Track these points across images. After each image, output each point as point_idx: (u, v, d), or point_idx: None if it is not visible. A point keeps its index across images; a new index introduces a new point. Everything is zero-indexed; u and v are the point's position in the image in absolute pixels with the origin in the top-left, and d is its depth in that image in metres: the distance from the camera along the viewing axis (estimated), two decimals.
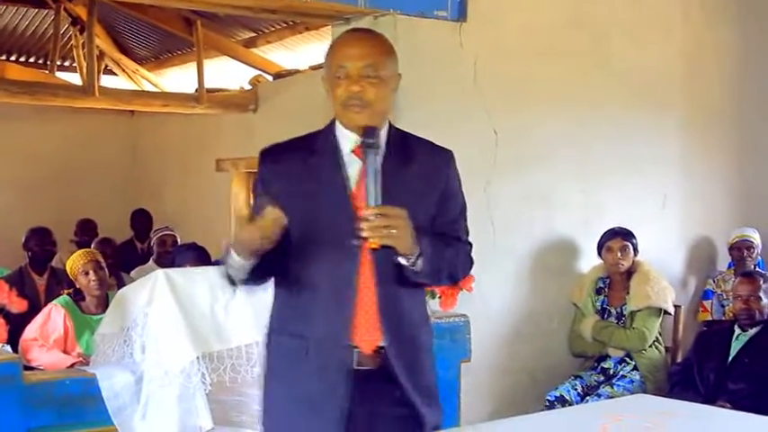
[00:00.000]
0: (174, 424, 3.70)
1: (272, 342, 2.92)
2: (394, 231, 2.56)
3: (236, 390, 3.83)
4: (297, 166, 2.83)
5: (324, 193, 2.77)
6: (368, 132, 2.68)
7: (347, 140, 2.81)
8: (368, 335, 2.77)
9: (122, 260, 7.58)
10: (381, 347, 2.78)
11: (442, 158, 2.93)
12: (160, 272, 3.89)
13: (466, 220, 2.99)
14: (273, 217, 2.56)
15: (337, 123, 2.84)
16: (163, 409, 3.71)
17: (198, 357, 3.75)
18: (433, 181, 2.86)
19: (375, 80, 2.74)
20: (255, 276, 2.73)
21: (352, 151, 2.79)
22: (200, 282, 3.89)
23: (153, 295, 3.82)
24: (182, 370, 3.71)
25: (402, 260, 2.68)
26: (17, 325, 5.31)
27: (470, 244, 2.99)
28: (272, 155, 2.90)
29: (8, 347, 4.36)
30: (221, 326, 3.84)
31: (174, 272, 3.94)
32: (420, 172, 2.83)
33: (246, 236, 2.59)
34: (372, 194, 2.57)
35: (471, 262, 3.00)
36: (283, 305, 2.89)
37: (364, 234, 2.55)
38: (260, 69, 8.60)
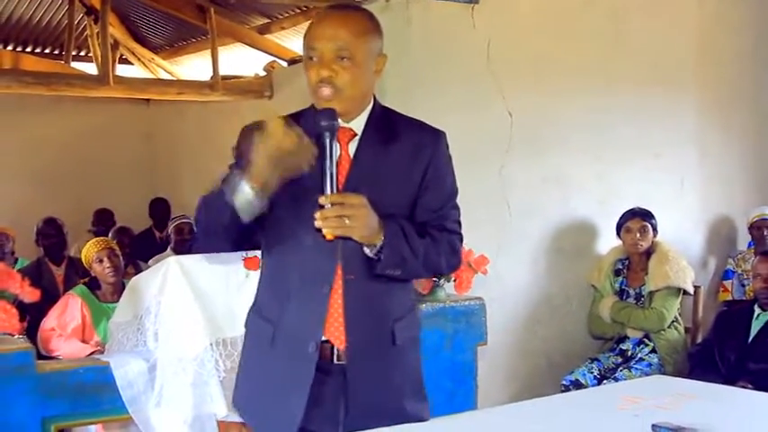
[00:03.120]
0: (189, 411, 3.70)
1: (249, 320, 2.79)
2: (347, 221, 2.42)
3: None
4: None
5: (304, 179, 2.52)
6: (324, 114, 2.50)
7: None
8: (337, 330, 2.62)
9: (141, 249, 7.59)
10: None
11: (427, 139, 2.70)
12: (172, 259, 3.88)
13: (456, 208, 2.77)
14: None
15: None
16: (177, 396, 3.70)
17: (211, 344, 3.74)
18: (414, 164, 2.66)
19: (348, 63, 2.53)
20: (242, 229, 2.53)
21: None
22: (213, 268, 3.86)
23: (165, 282, 3.81)
24: (195, 357, 3.70)
25: (366, 250, 2.54)
26: (36, 316, 5.34)
27: (459, 234, 2.77)
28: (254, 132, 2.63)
29: (23, 338, 4.37)
30: (234, 312, 3.80)
31: (186, 258, 3.91)
32: (400, 155, 2.65)
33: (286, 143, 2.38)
34: (328, 182, 2.44)
35: (457, 254, 2.77)
36: (264, 285, 2.75)
37: (316, 224, 2.42)
38: (274, 55, 8.56)
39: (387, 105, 2.77)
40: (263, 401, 2.72)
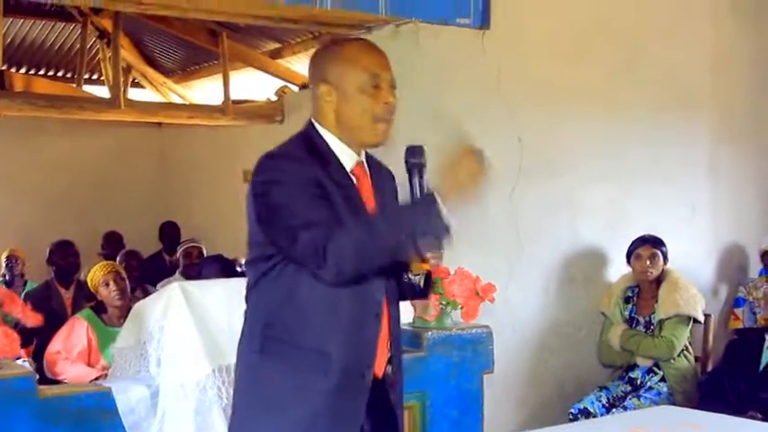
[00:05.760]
0: None
1: (272, 351, 2.67)
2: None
3: None
4: (319, 174, 2.59)
5: (348, 209, 2.59)
6: (416, 152, 2.58)
7: (348, 158, 2.69)
8: (381, 353, 2.73)
9: (151, 273, 7.59)
10: (388, 362, 2.78)
11: (387, 170, 2.88)
12: (175, 284, 3.85)
13: None
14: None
15: (332, 138, 2.67)
16: (179, 423, 3.65)
17: (214, 370, 3.70)
18: (391, 190, 2.85)
19: (396, 93, 2.66)
20: None
21: (351, 171, 2.69)
22: (217, 293, 3.83)
23: (168, 308, 3.76)
24: (198, 383, 3.67)
25: (414, 278, 2.70)
26: (44, 339, 5.34)
27: None
28: (293, 156, 2.63)
29: (26, 363, 4.35)
30: (238, 338, 3.78)
31: (189, 284, 3.89)
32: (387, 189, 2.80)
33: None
34: None
35: None
36: (293, 315, 2.65)
37: (434, 261, 2.56)
38: (286, 80, 8.58)
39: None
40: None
